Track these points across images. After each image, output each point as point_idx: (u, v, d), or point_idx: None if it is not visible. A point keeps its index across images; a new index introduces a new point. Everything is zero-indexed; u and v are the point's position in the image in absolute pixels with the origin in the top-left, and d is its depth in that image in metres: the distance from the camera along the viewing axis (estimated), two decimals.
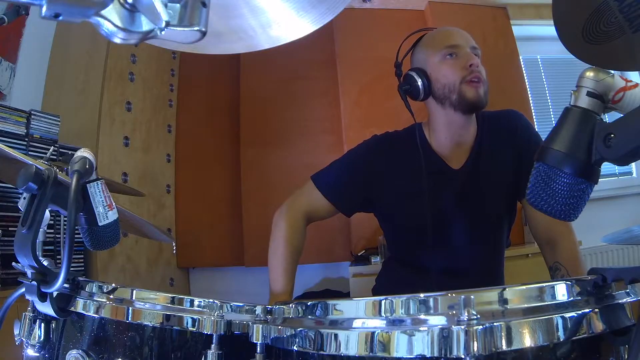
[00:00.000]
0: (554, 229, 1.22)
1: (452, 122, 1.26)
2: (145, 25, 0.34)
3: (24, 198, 0.71)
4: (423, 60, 1.28)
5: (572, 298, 0.57)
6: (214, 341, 0.74)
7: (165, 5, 0.34)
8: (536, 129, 1.37)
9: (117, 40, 0.34)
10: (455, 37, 1.25)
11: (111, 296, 0.80)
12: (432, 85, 1.24)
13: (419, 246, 1.29)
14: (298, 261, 1.29)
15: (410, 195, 1.27)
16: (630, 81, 0.58)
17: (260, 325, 0.72)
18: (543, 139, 0.61)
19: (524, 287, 0.58)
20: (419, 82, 1.24)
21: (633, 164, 3.19)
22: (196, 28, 0.36)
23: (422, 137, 1.31)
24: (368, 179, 1.31)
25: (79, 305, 0.79)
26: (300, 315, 0.70)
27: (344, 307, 0.64)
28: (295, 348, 0.65)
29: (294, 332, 0.65)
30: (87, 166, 0.73)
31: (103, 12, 0.32)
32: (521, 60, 3.07)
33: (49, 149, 1.74)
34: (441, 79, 1.23)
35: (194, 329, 0.77)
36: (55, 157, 1.91)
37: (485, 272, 1.30)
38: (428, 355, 0.53)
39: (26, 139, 2.04)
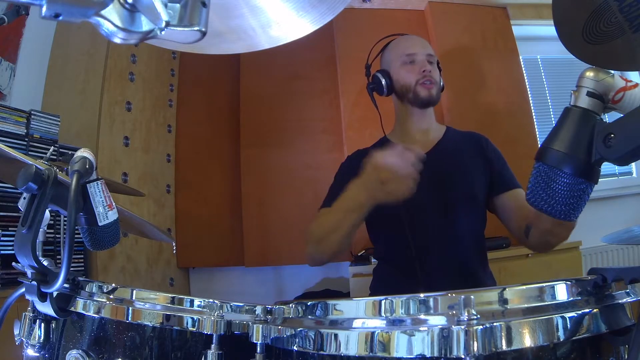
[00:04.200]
0: (531, 213, 1.27)
1: (412, 113, 1.48)
2: (145, 25, 0.34)
3: (24, 198, 0.71)
4: (387, 63, 1.52)
5: (572, 298, 0.57)
6: (214, 341, 0.74)
7: (165, 5, 0.34)
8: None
9: (117, 40, 0.34)
10: (413, 46, 1.49)
11: (111, 296, 0.80)
12: (394, 84, 1.48)
13: (400, 239, 1.35)
14: None
15: None
16: (630, 81, 0.58)
17: (260, 325, 0.72)
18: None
19: (524, 287, 0.58)
20: (383, 82, 1.48)
21: (633, 164, 3.19)
22: (196, 28, 0.36)
23: (387, 140, 1.49)
24: None
25: (79, 305, 0.79)
26: (300, 315, 0.70)
27: (344, 307, 0.64)
28: (295, 348, 0.65)
29: (294, 332, 0.65)
30: (87, 166, 0.73)
31: (103, 12, 0.32)
32: (521, 60, 3.07)
33: (49, 149, 1.74)
34: (400, 80, 1.47)
35: (194, 329, 0.77)
36: (55, 157, 1.91)
37: (464, 255, 1.35)
38: (428, 355, 0.53)
39: (26, 139, 2.04)
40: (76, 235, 0.72)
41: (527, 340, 0.52)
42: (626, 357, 0.54)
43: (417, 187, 1.33)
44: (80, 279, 0.83)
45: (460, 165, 1.42)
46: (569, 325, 0.53)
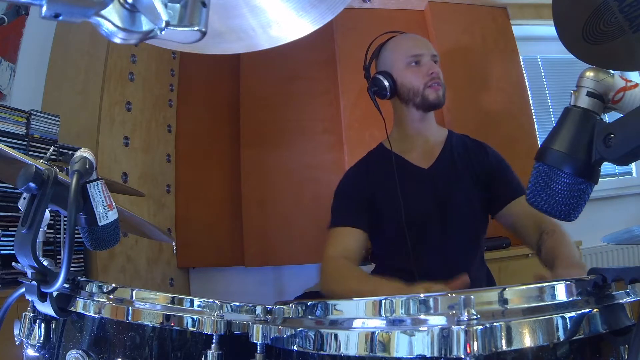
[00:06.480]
0: (544, 224, 1.27)
1: (414, 118, 1.43)
2: (145, 25, 0.34)
3: (24, 198, 0.71)
4: (389, 64, 1.43)
5: (572, 298, 0.57)
6: (214, 341, 0.74)
7: (165, 5, 0.34)
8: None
9: (117, 40, 0.34)
10: (418, 46, 1.42)
11: (111, 296, 0.80)
12: (398, 88, 1.41)
13: (401, 247, 1.35)
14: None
15: (388, 199, 1.36)
16: (630, 81, 0.58)
17: (260, 325, 0.72)
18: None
19: (524, 287, 0.58)
20: (386, 84, 1.40)
21: (633, 164, 3.19)
22: (196, 28, 0.36)
23: (388, 149, 1.42)
24: (361, 196, 1.42)
25: (79, 305, 0.79)
26: (300, 315, 0.70)
27: (344, 307, 0.64)
28: (295, 348, 0.65)
29: (294, 332, 0.65)
30: (87, 166, 0.73)
31: (103, 12, 0.32)
32: (521, 60, 3.07)
33: (49, 149, 1.73)
34: (406, 83, 1.40)
35: (194, 329, 0.77)
36: (55, 157, 1.91)
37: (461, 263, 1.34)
38: (428, 355, 0.53)
39: (26, 139, 2.04)
40: (76, 235, 0.72)
41: (527, 340, 0.52)
42: (626, 357, 0.54)
43: (419, 200, 1.37)
44: (80, 279, 0.83)
45: (460, 180, 1.40)
46: (569, 325, 0.53)
